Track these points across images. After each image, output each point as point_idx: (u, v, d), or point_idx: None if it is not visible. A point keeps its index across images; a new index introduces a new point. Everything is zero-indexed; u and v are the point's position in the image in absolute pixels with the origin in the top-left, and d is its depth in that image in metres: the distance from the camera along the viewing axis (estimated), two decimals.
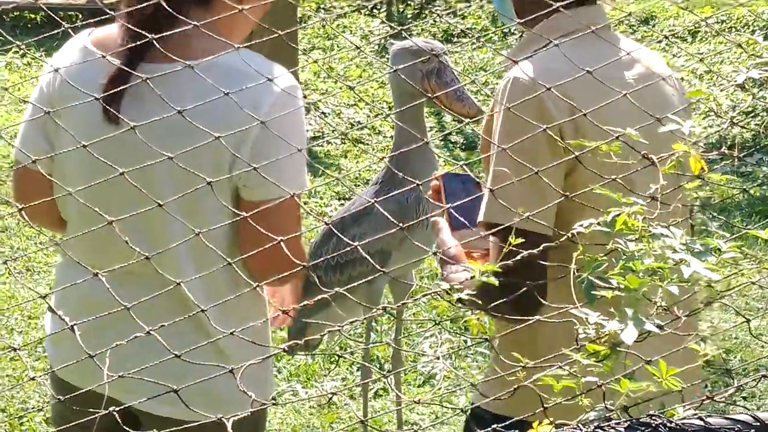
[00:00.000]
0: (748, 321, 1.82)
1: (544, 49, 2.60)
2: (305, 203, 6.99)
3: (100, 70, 2.48)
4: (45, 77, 2.66)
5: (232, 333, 1.89)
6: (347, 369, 5.31)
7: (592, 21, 2.54)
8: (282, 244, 2.03)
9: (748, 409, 1.53)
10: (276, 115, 2.46)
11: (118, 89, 2.47)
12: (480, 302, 2.02)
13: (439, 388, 5.15)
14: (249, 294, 2.48)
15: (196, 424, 1.92)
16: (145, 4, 2.40)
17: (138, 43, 2.31)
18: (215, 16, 2.51)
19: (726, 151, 2.17)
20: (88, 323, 1.96)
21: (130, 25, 2.43)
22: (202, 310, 1.85)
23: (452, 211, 2.54)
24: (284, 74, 2.58)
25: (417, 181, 2.04)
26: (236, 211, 2.45)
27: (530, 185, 2.40)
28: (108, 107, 2.45)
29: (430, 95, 3.95)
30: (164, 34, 2.21)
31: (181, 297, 2.26)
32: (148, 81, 2.12)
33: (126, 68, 2.45)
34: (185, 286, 2.05)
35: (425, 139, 4.14)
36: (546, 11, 2.54)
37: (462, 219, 2.55)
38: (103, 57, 2.32)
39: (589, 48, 2.57)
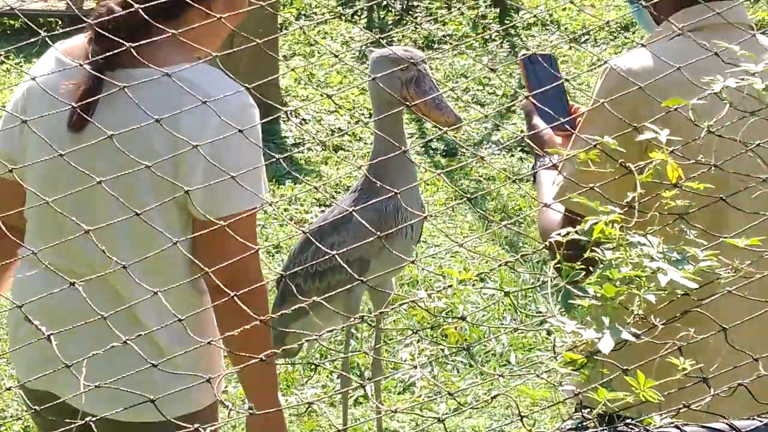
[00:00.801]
0: (725, 329, 1.83)
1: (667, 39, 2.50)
2: (285, 210, 6.98)
3: (68, 79, 2.51)
4: (20, 88, 2.69)
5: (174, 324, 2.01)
6: (327, 377, 5.29)
7: (728, 18, 2.44)
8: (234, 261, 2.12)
9: (725, 419, 1.53)
10: (225, 133, 2.36)
11: (87, 100, 2.48)
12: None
13: (419, 396, 5.14)
14: (196, 303, 2.50)
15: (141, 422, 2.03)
16: (113, 16, 2.42)
17: (108, 53, 2.33)
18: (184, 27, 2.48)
19: (704, 159, 2.18)
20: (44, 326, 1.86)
21: (99, 35, 2.43)
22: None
23: (536, 99, 2.47)
24: (239, 92, 2.53)
25: (395, 190, 2.04)
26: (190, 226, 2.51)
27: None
28: (73, 115, 2.48)
29: (408, 104, 3.94)
30: (127, 46, 2.17)
31: (124, 303, 2.31)
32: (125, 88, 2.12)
33: (97, 75, 2.45)
34: (131, 293, 2.19)
35: (403, 148, 4.14)
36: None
37: (546, 107, 2.53)
38: (80, 65, 2.34)
39: (715, 46, 2.36)
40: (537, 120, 2.59)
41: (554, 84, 2.51)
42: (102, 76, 2.44)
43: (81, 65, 2.38)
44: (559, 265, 1.98)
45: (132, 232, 2.42)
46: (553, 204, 2.45)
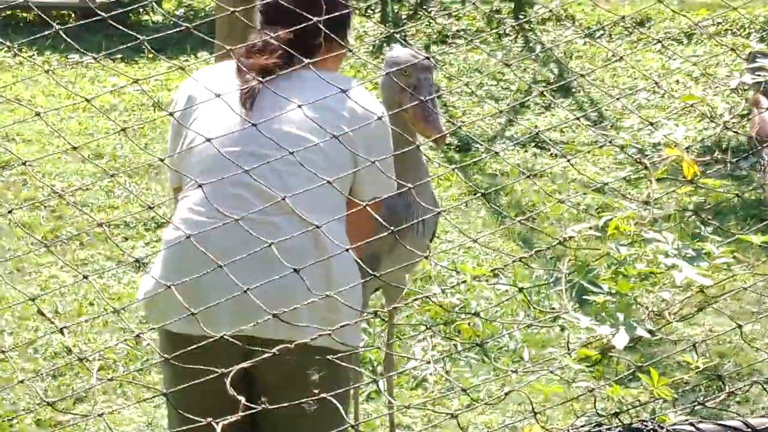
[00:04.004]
0: (740, 326, 1.82)
1: None
2: None
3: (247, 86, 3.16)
4: (181, 93, 3.30)
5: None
6: None
7: None
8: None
9: (740, 415, 1.53)
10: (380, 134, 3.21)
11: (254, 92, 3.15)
12: None
13: (432, 392, 5.14)
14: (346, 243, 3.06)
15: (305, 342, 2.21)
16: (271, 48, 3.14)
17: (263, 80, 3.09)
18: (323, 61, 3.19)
19: (720, 156, 2.15)
20: (210, 263, 2.46)
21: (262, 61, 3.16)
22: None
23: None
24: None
25: (407, 185, 2.07)
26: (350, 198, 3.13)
27: None
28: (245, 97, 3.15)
29: (399, 109, 3.99)
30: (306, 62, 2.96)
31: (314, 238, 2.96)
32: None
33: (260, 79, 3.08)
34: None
35: (416, 143, 4.14)
36: None
37: None
38: (251, 77, 3.13)
39: None
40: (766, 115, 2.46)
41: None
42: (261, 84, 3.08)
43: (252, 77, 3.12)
44: None
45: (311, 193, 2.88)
46: None
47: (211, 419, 1.85)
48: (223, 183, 2.95)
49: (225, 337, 2.08)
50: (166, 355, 3.02)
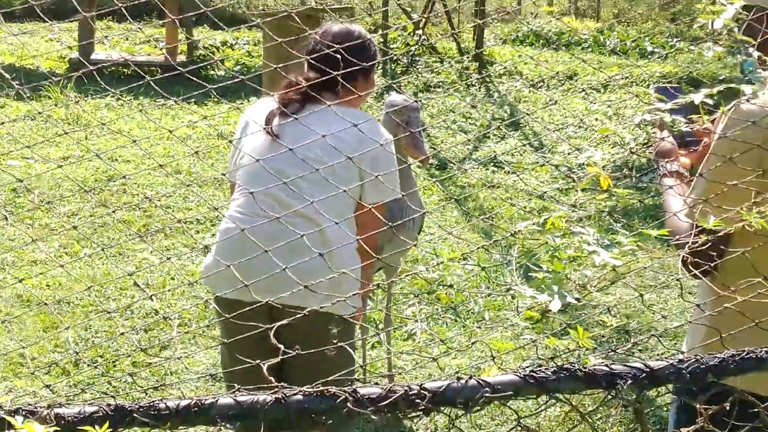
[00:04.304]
0: (641, 295, 1.81)
1: None
2: None
3: (269, 113, 3.15)
4: (241, 120, 3.29)
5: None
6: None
7: None
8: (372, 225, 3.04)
9: (642, 359, 1.52)
10: (385, 151, 3.08)
11: (276, 124, 3.13)
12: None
13: (419, 343, 5.14)
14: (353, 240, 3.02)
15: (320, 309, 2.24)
16: (294, 89, 3.12)
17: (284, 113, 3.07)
18: (342, 96, 3.12)
19: (627, 172, 2.14)
20: (246, 251, 2.59)
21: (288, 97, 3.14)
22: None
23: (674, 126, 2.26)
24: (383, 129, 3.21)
25: (401, 193, 2.07)
26: (360, 202, 3.10)
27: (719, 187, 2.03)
28: (270, 133, 3.12)
29: (395, 138, 4.01)
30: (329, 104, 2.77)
31: (318, 238, 2.89)
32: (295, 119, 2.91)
33: (285, 111, 3.09)
34: (324, 225, 2.86)
35: (408, 163, 4.14)
36: None
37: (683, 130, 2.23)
38: (278, 107, 3.16)
39: None
40: (664, 134, 2.35)
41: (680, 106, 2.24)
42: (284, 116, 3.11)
43: (288, 101, 3.14)
44: (685, 259, 2.01)
45: (326, 195, 2.85)
46: (680, 213, 2.18)
47: (257, 362, 1.87)
48: (257, 192, 2.96)
49: (256, 301, 2.09)
50: (220, 314, 3.04)
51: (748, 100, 2.02)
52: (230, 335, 2.71)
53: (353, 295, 2.78)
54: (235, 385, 1.39)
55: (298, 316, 1.69)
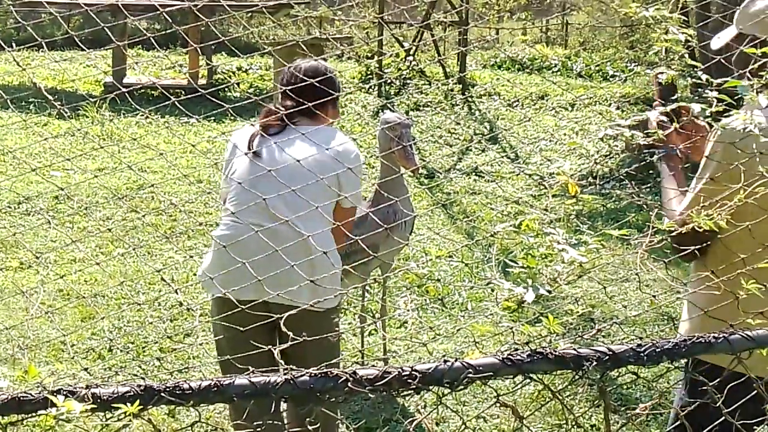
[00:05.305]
0: (604, 288, 1.81)
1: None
2: None
3: (250, 137, 3.12)
4: (229, 143, 3.24)
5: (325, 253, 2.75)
6: (351, 317, 5.30)
7: None
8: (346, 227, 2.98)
9: (605, 344, 1.52)
10: (354, 164, 3.04)
11: (255, 146, 3.11)
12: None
13: (410, 330, 5.13)
14: (332, 243, 3.00)
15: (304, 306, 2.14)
16: (278, 114, 3.10)
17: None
18: (315, 119, 3.13)
19: (592, 180, 2.14)
20: (245, 256, 2.51)
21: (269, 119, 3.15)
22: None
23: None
24: (352, 143, 3.14)
25: (394, 198, 2.06)
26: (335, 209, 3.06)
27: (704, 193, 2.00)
28: (255, 152, 3.08)
29: (389, 150, 4.01)
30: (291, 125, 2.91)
31: (301, 243, 2.82)
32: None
33: (262, 133, 3.10)
34: (308, 233, 2.73)
35: (400, 172, 4.14)
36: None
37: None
38: (261, 130, 3.15)
39: None
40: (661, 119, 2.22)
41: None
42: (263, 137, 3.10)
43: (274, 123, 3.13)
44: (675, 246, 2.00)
45: (306, 206, 2.82)
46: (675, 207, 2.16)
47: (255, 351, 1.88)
48: (247, 203, 2.94)
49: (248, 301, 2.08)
50: (217, 313, 2.95)
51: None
52: (228, 330, 2.69)
53: (334, 288, 2.79)
54: (233, 367, 1.40)
55: (292, 312, 1.68)
